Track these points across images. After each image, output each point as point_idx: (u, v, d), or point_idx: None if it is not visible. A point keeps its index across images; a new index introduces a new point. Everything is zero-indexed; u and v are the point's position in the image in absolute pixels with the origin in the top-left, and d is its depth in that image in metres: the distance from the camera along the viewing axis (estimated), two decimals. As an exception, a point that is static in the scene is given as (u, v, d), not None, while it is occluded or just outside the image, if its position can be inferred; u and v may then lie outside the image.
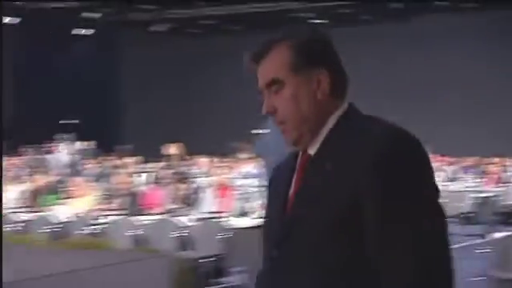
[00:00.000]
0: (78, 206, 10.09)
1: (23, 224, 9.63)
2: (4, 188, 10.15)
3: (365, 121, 1.89)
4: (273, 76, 1.84)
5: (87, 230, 9.11)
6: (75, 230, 9.15)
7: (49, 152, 15.73)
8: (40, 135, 18.09)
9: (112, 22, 25.40)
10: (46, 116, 21.32)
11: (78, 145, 15.26)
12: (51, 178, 12.58)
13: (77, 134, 16.25)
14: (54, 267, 4.93)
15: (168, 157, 17.51)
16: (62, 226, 9.34)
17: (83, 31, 25.82)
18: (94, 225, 9.37)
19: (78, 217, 9.60)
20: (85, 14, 24.38)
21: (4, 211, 9.23)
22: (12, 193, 11.41)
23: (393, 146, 1.73)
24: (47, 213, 10.03)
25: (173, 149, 18.52)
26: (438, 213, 1.77)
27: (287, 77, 1.82)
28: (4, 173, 11.96)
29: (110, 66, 27.22)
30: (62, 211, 9.95)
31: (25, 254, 5.99)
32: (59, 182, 11.95)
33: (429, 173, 1.80)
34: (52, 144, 16.54)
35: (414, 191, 1.73)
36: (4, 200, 9.81)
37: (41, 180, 11.94)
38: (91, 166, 14.98)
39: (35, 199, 11.16)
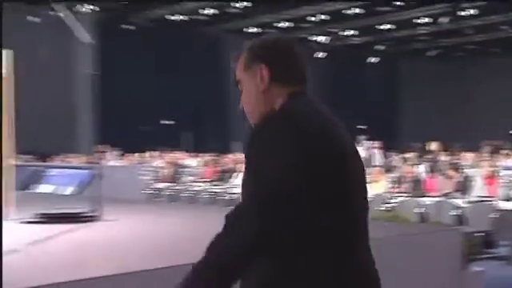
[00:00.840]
0: (376, 188, 10.35)
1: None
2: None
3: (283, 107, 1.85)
4: (237, 77, 1.90)
5: (383, 207, 9.44)
6: (374, 207, 9.17)
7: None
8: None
9: (394, 52, 27.82)
10: (347, 123, 23.27)
11: (369, 144, 16.71)
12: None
13: (368, 135, 17.69)
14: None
15: (431, 152, 19.24)
16: (369, 201, 10.04)
17: (373, 59, 28.25)
18: (387, 203, 9.70)
19: (376, 196, 9.87)
20: (376, 47, 26.74)
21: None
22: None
23: (253, 129, 1.77)
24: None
25: (434, 145, 21.46)
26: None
27: (242, 76, 1.87)
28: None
29: (392, 85, 29.41)
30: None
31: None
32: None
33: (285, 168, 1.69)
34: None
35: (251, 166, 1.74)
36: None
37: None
38: (383, 160, 15.88)
39: None
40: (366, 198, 1.92)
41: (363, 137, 16.54)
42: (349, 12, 20.07)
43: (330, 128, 1.83)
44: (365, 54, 27.56)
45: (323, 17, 20.88)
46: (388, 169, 13.27)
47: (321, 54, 25.49)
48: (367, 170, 10.99)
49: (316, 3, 19.50)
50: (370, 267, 1.87)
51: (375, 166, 13.04)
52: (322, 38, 24.42)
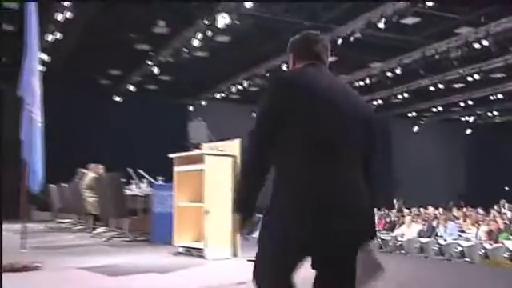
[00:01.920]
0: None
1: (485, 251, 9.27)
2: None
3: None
4: None
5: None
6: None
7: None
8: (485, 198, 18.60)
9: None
10: (489, 186, 21.45)
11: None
12: (505, 222, 11.94)
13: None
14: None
15: None
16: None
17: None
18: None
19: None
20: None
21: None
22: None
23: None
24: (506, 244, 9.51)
25: None
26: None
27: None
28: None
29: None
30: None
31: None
32: (508, 225, 11.29)
33: (270, 95, 2.01)
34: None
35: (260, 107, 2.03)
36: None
37: (497, 223, 11.23)
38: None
39: (493, 236, 10.40)
40: (347, 132, 1.99)
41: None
42: (491, 98, 20.21)
43: (313, 81, 2.05)
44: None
45: (470, 102, 20.97)
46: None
47: (468, 131, 25.24)
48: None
49: (464, 91, 20.12)
50: (345, 181, 1.94)
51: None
52: (469, 118, 24.36)
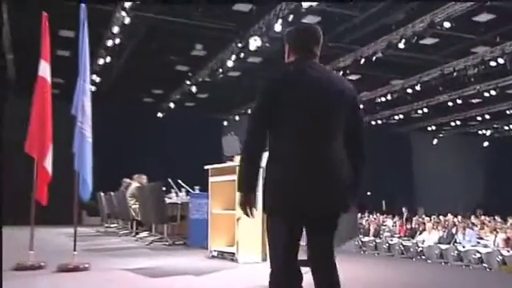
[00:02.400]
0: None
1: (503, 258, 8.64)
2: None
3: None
4: None
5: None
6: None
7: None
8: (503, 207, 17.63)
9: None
10: (506, 196, 20.32)
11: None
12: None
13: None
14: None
15: None
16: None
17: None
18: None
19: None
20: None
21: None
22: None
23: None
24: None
25: None
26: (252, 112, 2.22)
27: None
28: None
29: None
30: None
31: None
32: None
33: (260, 96, 2.20)
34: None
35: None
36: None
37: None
38: None
39: (510, 243, 9.86)
40: (327, 113, 2.19)
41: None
42: (508, 112, 19.77)
43: (299, 71, 2.26)
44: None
45: (487, 116, 20.60)
46: None
47: (485, 144, 24.70)
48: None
49: (481, 106, 19.66)
50: (319, 159, 2.12)
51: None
52: (486, 132, 23.86)
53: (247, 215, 2.18)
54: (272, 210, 2.17)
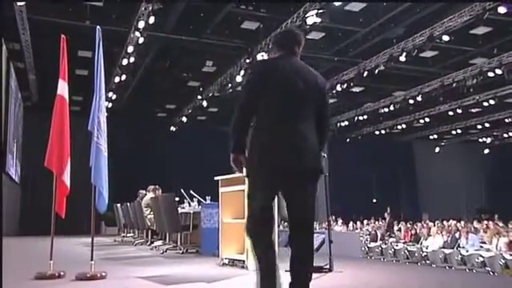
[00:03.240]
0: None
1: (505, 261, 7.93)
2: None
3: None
4: None
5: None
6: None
7: None
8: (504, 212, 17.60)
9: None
10: (506, 201, 19.62)
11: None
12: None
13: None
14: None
15: None
16: None
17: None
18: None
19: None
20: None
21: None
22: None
23: None
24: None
25: None
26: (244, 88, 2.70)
27: None
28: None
29: None
30: None
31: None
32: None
33: (252, 75, 2.75)
34: None
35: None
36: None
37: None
38: None
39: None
40: (301, 97, 2.59)
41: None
42: (506, 120, 19.47)
43: (280, 63, 2.66)
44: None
45: (487, 125, 20.45)
46: None
47: (486, 151, 24.47)
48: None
49: (481, 115, 19.45)
50: (294, 132, 2.53)
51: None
52: (486, 139, 23.65)
53: (239, 171, 2.56)
54: (257, 170, 2.51)
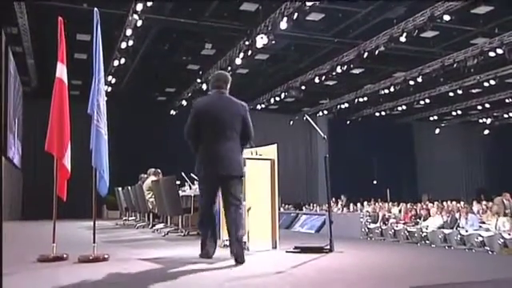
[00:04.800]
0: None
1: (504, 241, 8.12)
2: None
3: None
4: None
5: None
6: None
7: None
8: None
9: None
10: (506, 181, 20.55)
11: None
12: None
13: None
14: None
15: None
16: None
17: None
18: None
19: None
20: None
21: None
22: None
23: None
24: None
25: None
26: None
27: None
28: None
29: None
30: None
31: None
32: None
33: (191, 114, 4.04)
34: None
35: None
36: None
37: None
38: None
39: None
40: (223, 124, 3.94)
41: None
42: (507, 101, 19.41)
43: (208, 102, 4.06)
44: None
45: (487, 105, 20.39)
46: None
47: (486, 131, 24.37)
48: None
49: (481, 96, 19.36)
50: (220, 149, 3.89)
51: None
52: (486, 120, 23.56)
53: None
54: (201, 177, 4.10)
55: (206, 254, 3.97)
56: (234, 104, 4.02)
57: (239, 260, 3.73)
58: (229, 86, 4.09)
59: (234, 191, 3.92)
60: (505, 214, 10.61)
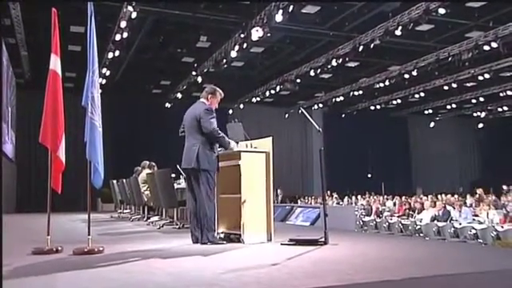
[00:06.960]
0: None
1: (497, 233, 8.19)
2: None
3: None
4: None
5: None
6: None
7: None
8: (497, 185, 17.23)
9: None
10: (500, 174, 19.64)
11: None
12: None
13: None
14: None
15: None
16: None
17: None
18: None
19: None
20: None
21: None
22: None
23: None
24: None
25: None
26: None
27: None
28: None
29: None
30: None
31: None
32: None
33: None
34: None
35: None
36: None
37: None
38: None
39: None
40: (188, 125, 4.95)
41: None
42: (501, 95, 19.46)
43: (187, 110, 5.00)
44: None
45: (481, 99, 20.48)
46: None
47: (480, 125, 24.49)
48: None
49: (475, 89, 19.43)
50: (185, 146, 4.90)
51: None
52: (480, 114, 23.67)
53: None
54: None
55: (196, 239, 4.78)
56: (198, 108, 4.87)
57: (201, 242, 4.75)
58: (210, 95, 4.99)
59: (196, 183, 4.77)
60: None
